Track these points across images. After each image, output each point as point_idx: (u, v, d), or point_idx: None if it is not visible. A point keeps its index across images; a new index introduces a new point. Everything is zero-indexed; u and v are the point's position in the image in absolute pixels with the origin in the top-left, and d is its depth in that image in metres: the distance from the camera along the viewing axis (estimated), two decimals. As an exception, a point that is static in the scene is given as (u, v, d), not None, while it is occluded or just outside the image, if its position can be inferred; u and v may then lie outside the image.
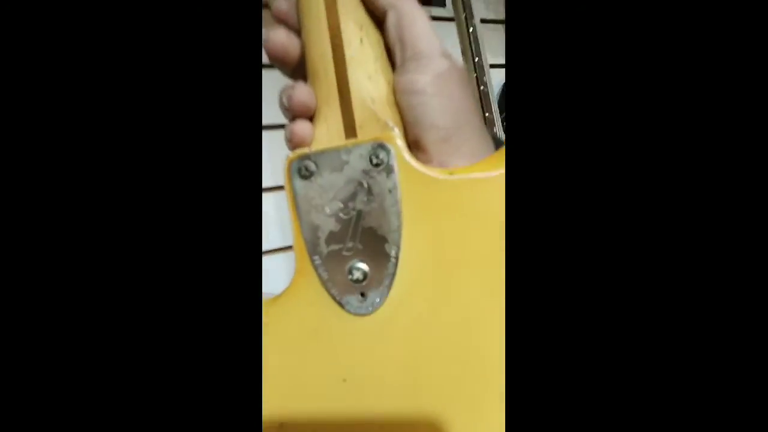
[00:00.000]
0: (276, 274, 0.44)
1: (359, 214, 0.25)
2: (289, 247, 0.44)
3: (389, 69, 0.28)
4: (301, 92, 0.26)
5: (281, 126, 0.46)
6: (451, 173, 0.25)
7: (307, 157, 0.25)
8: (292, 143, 0.27)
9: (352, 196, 0.25)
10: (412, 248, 0.25)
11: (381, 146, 0.25)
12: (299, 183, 0.25)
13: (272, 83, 0.43)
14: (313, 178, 0.25)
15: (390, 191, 0.25)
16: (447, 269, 0.24)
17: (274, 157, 0.42)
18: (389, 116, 0.27)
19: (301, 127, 0.27)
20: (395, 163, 0.25)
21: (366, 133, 0.26)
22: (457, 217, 0.24)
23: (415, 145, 0.27)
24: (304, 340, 0.26)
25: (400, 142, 0.25)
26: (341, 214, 0.25)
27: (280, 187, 0.44)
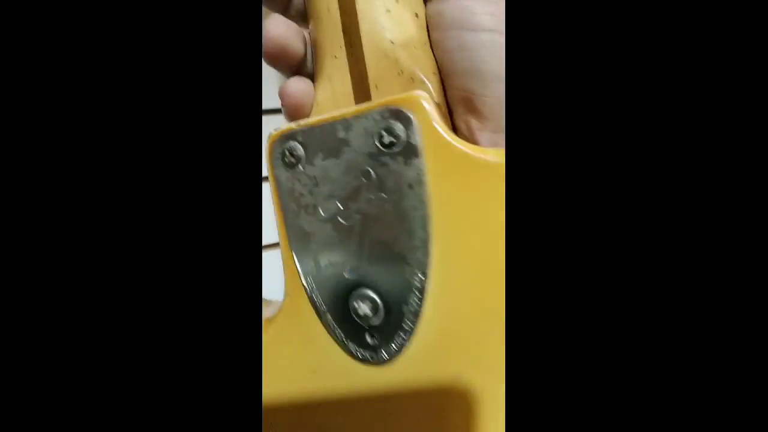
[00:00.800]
0: (274, 271, 0.38)
1: (365, 219, 0.16)
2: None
3: None
4: (275, 23, 0.18)
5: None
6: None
7: (292, 135, 0.17)
8: (287, 111, 0.19)
9: (355, 194, 0.16)
10: (448, 274, 0.16)
11: (396, 114, 0.16)
12: (283, 173, 0.17)
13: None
14: (300, 166, 0.17)
15: (411, 186, 0.16)
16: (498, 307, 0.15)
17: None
18: (419, 64, 0.17)
19: (297, 86, 0.19)
20: (420, 142, 0.15)
21: (384, 92, 0.17)
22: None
23: (465, 107, 0.17)
24: (299, 386, 0.19)
25: (429, 106, 0.15)
26: (340, 219, 0.17)
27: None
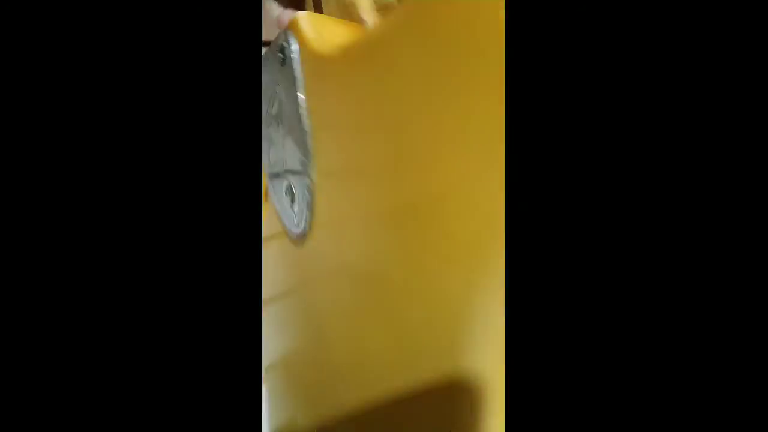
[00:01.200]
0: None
1: (281, 125, 0.21)
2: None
3: None
4: None
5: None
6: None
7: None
8: None
9: (274, 105, 0.21)
10: (323, 164, 0.19)
11: (286, 35, 0.19)
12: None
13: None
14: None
15: (296, 93, 0.19)
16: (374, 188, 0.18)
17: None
18: None
19: (287, 16, 0.24)
20: (299, 54, 0.19)
21: None
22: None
23: None
24: (270, 269, 0.25)
25: (305, 23, 0.19)
26: (272, 126, 0.22)
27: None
